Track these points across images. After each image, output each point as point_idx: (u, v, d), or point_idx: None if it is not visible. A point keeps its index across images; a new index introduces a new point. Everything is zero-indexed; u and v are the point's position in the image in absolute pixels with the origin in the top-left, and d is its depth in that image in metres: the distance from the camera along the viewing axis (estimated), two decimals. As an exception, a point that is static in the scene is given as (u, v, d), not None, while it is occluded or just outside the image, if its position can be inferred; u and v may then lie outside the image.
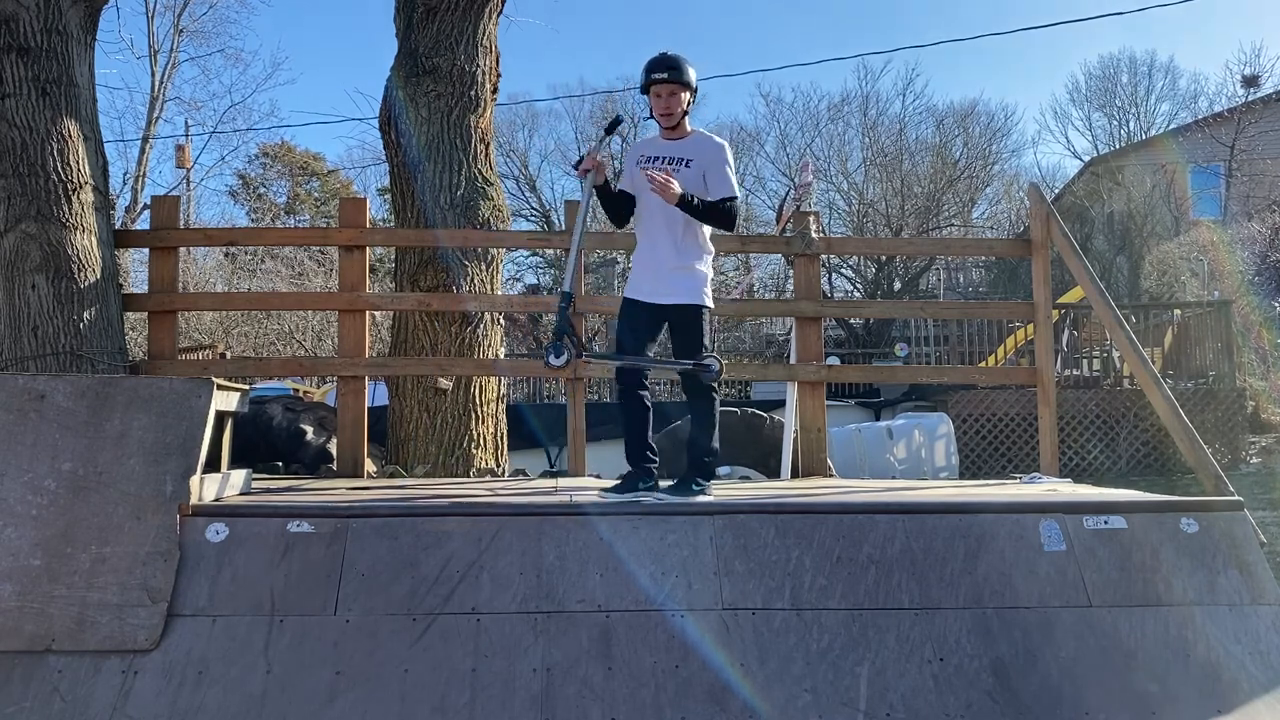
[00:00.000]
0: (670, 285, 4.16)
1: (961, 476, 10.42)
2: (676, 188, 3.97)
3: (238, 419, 4.39)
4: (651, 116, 4.23)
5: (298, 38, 47.44)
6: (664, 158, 4.17)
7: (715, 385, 4.20)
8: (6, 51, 5.08)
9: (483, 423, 6.15)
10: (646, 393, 4.24)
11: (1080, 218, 21.87)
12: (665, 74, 4.10)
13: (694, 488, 4.06)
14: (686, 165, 4.14)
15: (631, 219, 4.39)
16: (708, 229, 4.22)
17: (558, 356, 3.91)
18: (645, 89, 4.17)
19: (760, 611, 3.45)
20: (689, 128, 4.25)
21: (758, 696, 3.23)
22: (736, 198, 4.16)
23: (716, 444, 4.20)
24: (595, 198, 4.26)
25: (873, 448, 10.02)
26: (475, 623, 3.36)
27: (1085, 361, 13.09)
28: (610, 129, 4.37)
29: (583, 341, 3.98)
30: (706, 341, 4.24)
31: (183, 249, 11.90)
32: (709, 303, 4.22)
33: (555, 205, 29.75)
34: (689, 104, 4.20)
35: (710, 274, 4.27)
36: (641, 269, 4.26)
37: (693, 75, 4.16)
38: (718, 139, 4.29)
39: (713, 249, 4.30)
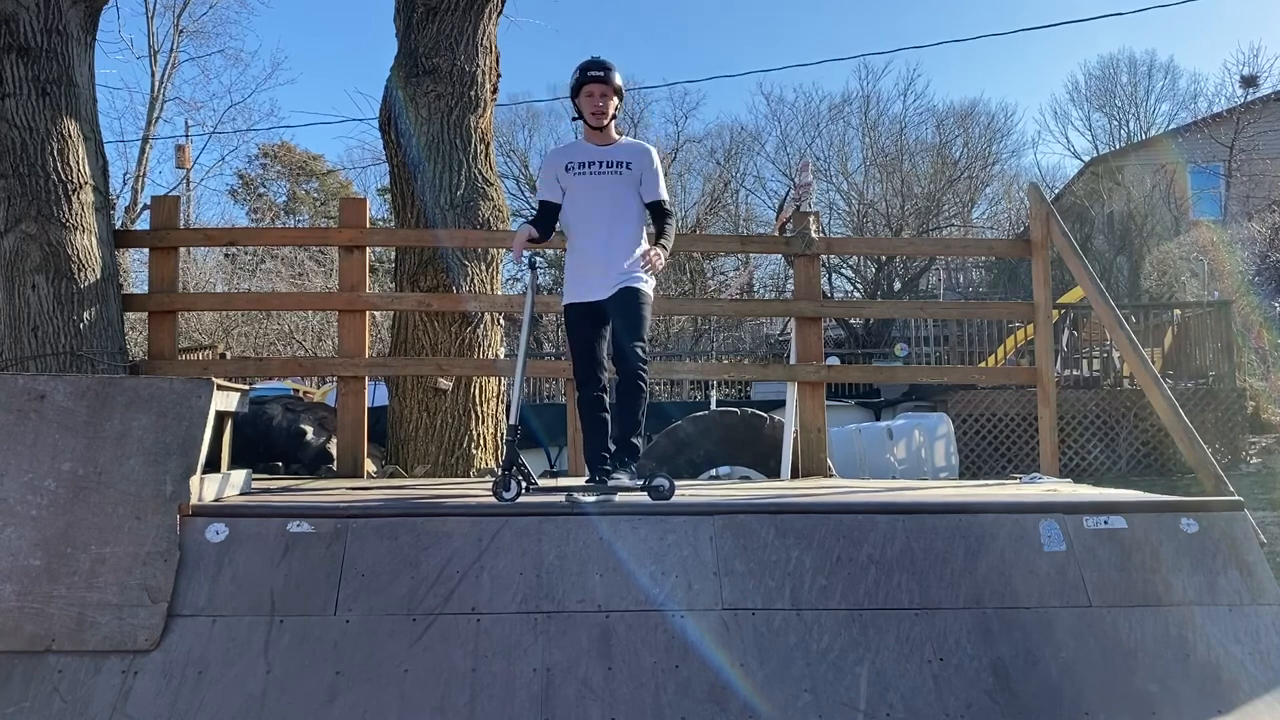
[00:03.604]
0: (625, 274, 4.19)
1: (961, 476, 10.42)
2: (660, 261, 4.09)
3: (238, 419, 4.39)
4: (579, 118, 4.31)
5: (298, 38, 47.49)
6: (601, 161, 4.25)
7: (644, 378, 4.17)
8: (6, 51, 5.08)
9: (483, 423, 6.15)
10: (606, 395, 4.29)
11: (1080, 218, 21.86)
12: (601, 73, 4.20)
13: (631, 467, 4.10)
14: (627, 168, 4.24)
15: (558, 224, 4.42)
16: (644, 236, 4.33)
17: (507, 490, 3.91)
18: (576, 90, 4.25)
19: (760, 611, 3.45)
20: (615, 133, 4.34)
21: (758, 696, 3.23)
22: (666, 198, 4.31)
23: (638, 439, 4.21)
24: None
25: (873, 448, 10.01)
26: (475, 623, 3.36)
27: (1085, 361, 13.08)
28: (533, 266, 4.43)
29: (528, 472, 4.05)
30: (645, 331, 4.20)
31: (183, 249, 11.89)
32: (651, 289, 4.27)
33: (555, 205, 29.67)
34: (617, 109, 4.30)
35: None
36: (583, 271, 4.26)
37: (620, 82, 4.28)
38: (647, 145, 4.42)
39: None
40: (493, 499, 3.91)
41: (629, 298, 4.18)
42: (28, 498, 3.42)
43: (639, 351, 4.12)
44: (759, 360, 18.17)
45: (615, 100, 4.26)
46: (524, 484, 3.96)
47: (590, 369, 4.27)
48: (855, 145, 27.76)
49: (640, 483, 3.99)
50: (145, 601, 3.31)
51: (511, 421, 4.19)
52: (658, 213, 4.29)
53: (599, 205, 4.23)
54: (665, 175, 4.38)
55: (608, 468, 4.16)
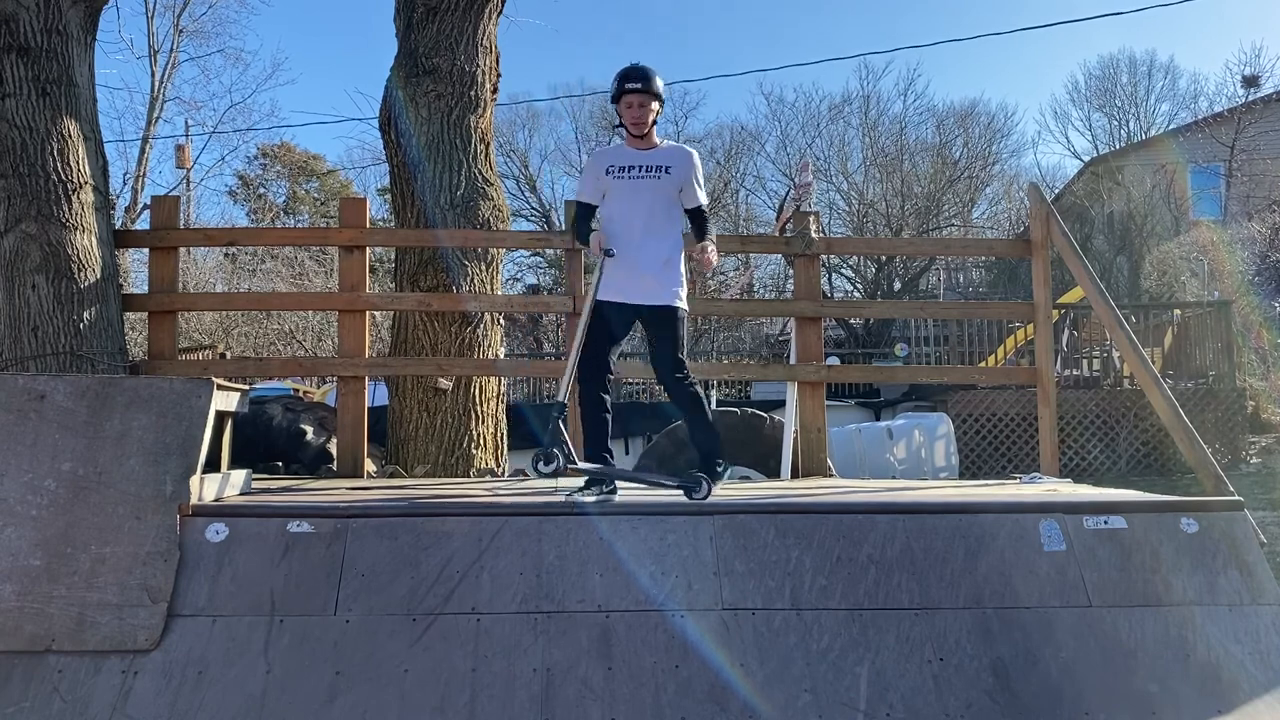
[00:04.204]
0: (650, 285, 4.22)
1: (961, 476, 10.42)
2: (714, 257, 4.23)
3: (238, 419, 4.39)
4: (621, 125, 4.34)
5: (298, 38, 47.48)
6: (641, 165, 4.27)
7: (696, 388, 4.27)
8: (6, 51, 5.08)
9: (483, 423, 6.15)
10: (609, 397, 4.33)
11: (1080, 218, 21.86)
12: (639, 84, 4.22)
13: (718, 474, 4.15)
14: (666, 171, 4.26)
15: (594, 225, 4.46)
16: (682, 244, 4.37)
17: (547, 465, 3.99)
18: (616, 98, 4.28)
19: (760, 611, 3.45)
20: (656, 138, 4.36)
21: (758, 696, 3.23)
22: (705, 204, 4.38)
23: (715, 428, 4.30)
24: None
25: (873, 448, 10.01)
26: (475, 623, 3.36)
27: (1085, 361, 13.08)
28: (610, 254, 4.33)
29: (570, 452, 4.13)
30: (684, 354, 4.30)
31: (183, 249, 11.89)
32: (685, 306, 4.31)
33: (555, 205, 29.76)
34: (657, 114, 4.31)
35: (685, 277, 4.39)
36: (615, 273, 4.28)
37: (661, 87, 4.29)
38: (688, 148, 4.44)
39: (684, 262, 4.40)
40: (493, 499, 3.92)
41: (669, 317, 4.24)
42: (28, 498, 3.42)
43: (682, 369, 4.22)
44: (759, 360, 18.17)
45: (656, 106, 4.26)
46: (564, 462, 4.00)
47: (597, 366, 4.27)
48: (855, 145, 27.80)
49: (676, 482, 4.05)
50: (145, 601, 3.31)
51: (561, 398, 4.22)
52: (696, 218, 4.35)
53: (636, 210, 4.25)
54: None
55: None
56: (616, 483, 4.17)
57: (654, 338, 4.31)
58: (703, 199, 4.35)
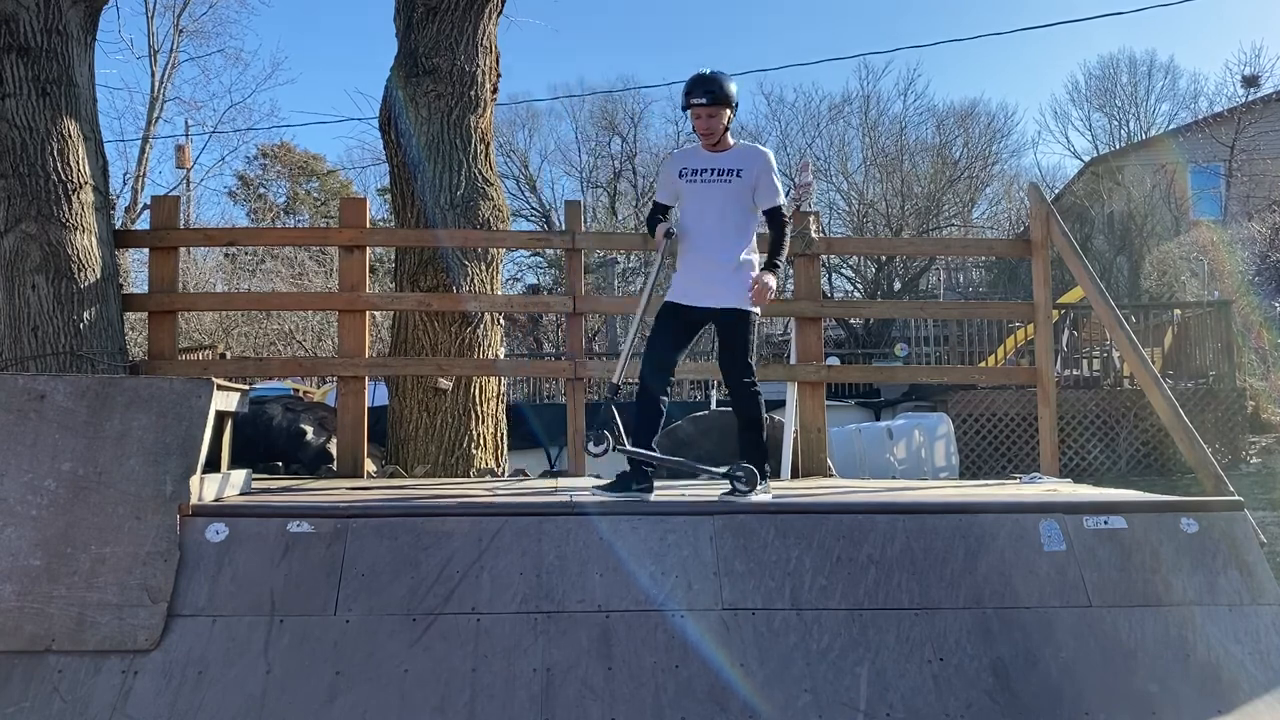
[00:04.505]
0: (720, 289, 4.19)
1: (961, 476, 10.42)
2: (772, 288, 4.13)
3: (238, 419, 4.39)
4: (694, 132, 4.31)
5: (298, 38, 47.46)
6: (712, 169, 4.23)
7: (757, 403, 4.24)
8: (6, 51, 5.08)
9: (483, 423, 6.15)
10: (666, 399, 4.29)
11: (1080, 218, 21.86)
12: (704, 99, 4.16)
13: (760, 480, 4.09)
14: (737, 175, 4.20)
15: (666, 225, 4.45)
16: (755, 247, 4.31)
17: (597, 445, 4.03)
18: (685, 108, 4.23)
19: (760, 611, 3.45)
20: (730, 140, 4.31)
21: (758, 696, 3.23)
22: (782, 203, 4.27)
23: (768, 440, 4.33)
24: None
25: (873, 448, 10.01)
26: (475, 623, 3.36)
27: (1085, 361, 13.08)
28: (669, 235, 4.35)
29: (620, 435, 4.14)
30: (753, 359, 4.26)
31: (183, 249, 11.89)
32: (758, 310, 4.24)
33: (555, 205, 29.76)
34: (730, 120, 4.25)
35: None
36: (688, 272, 4.29)
37: (732, 90, 4.21)
38: (761, 148, 4.36)
39: (758, 265, 4.32)
40: (493, 499, 3.92)
41: (736, 320, 4.20)
42: (28, 498, 3.42)
43: (749, 374, 4.20)
44: (759, 360, 18.15)
45: (726, 112, 4.20)
46: (612, 443, 4.03)
47: (659, 367, 4.26)
48: (855, 145, 27.77)
49: (760, 496, 4.02)
50: (145, 601, 3.31)
51: (614, 380, 4.27)
52: (772, 220, 4.27)
53: (706, 214, 4.23)
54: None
55: (647, 469, 4.20)
56: (654, 483, 4.17)
57: (722, 341, 4.28)
58: (778, 200, 4.24)
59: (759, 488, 4.04)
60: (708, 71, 4.21)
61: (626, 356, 4.36)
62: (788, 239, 4.29)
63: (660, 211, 4.44)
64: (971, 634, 3.43)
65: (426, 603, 3.40)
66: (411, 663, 3.25)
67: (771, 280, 4.13)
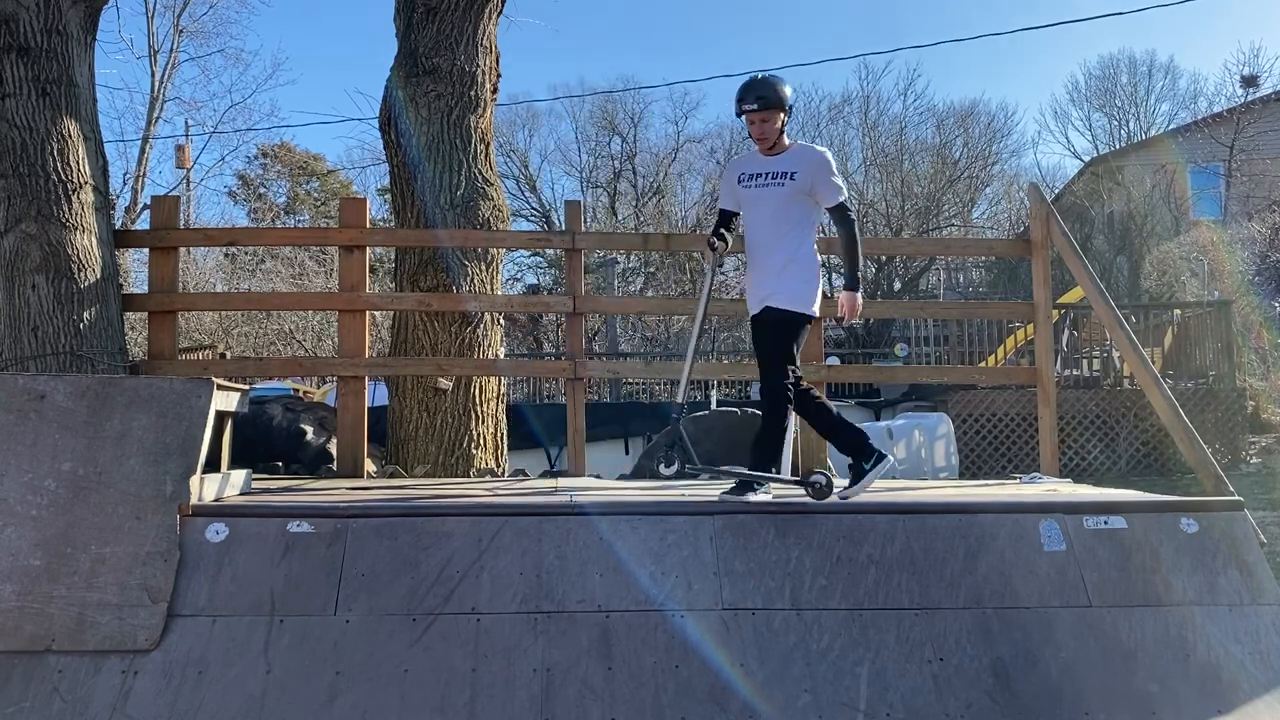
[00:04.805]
0: (763, 290, 4.19)
1: (961, 476, 10.42)
2: (859, 305, 4.20)
3: (238, 419, 4.39)
4: (750, 137, 4.33)
5: (298, 38, 47.47)
6: (767, 173, 4.24)
7: (776, 400, 4.15)
8: (6, 51, 5.08)
9: (483, 423, 6.15)
10: (812, 390, 4.30)
11: (1080, 218, 21.86)
12: (755, 105, 4.17)
13: (755, 487, 4.07)
14: (791, 178, 4.19)
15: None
16: (810, 239, 4.29)
17: (667, 466, 4.02)
18: (738, 115, 4.25)
19: (760, 611, 3.45)
20: (787, 141, 4.31)
21: (758, 696, 3.23)
22: (846, 199, 4.24)
23: (778, 448, 4.20)
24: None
25: (872, 448, 9.99)
26: (475, 623, 3.36)
27: (1085, 361, 13.08)
28: (712, 248, 4.36)
29: (692, 455, 4.13)
30: (784, 360, 4.14)
31: (183, 249, 11.89)
32: (807, 311, 4.19)
33: (555, 205, 29.77)
34: (784, 122, 4.24)
35: (814, 283, 4.26)
36: (749, 280, 4.32)
37: (785, 93, 4.20)
38: (818, 148, 4.35)
39: (815, 259, 4.29)
40: (493, 499, 3.92)
41: (770, 318, 4.17)
42: (28, 498, 3.42)
43: (773, 374, 4.12)
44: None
45: (780, 116, 4.20)
46: (683, 464, 4.03)
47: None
48: (855, 145, 27.78)
49: (758, 497, 3.99)
50: (145, 601, 3.31)
51: (679, 400, 4.25)
52: (838, 218, 4.23)
53: (762, 217, 4.24)
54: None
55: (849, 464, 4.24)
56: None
57: (756, 336, 4.25)
58: (839, 197, 4.20)
59: (760, 489, 4.05)
60: (759, 76, 4.22)
61: (688, 374, 4.31)
62: (859, 238, 4.24)
63: (724, 221, 4.42)
64: (971, 634, 3.43)
65: (426, 603, 3.40)
66: (411, 663, 3.25)
67: (858, 298, 4.18)
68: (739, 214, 4.43)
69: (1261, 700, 3.33)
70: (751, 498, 3.98)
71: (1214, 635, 3.48)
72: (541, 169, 32.39)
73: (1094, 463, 11.53)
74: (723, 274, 26.15)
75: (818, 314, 4.27)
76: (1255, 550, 3.74)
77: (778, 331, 4.16)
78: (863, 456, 4.21)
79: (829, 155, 4.29)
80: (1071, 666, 3.37)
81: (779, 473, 4.19)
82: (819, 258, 4.36)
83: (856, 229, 4.23)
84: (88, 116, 5.33)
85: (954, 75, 47.52)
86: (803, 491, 3.97)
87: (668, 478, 3.99)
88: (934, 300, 19.57)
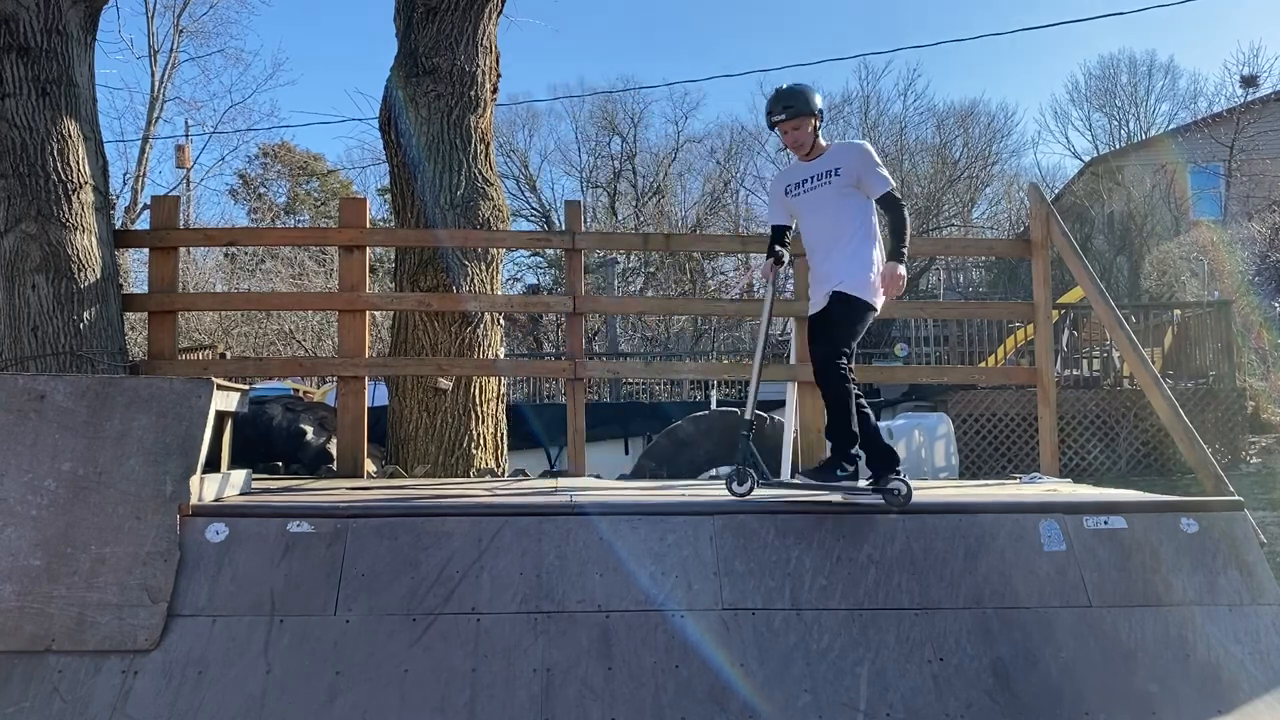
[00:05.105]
0: (837, 279, 4.12)
1: (961, 476, 10.42)
2: (902, 275, 4.05)
3: (238, 419, 4.39)
4: (785, 148, 4.35)
5: (298, 38, 47.48)
6: (811, 177, 4.24)
7: (833, 381, 4.09)
8: (6, 51, 5.08)
9: (483, 423, 6.15)
10: (860, 398, 4.23)
11: (1080, 218, 21.87)
12: (784, 115, 4.19)
13: (837, 473, 4.03)
14: (836, 174, 4.18)
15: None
16: (876, 230, 4.24)
17: (741, 484, 3.98)
18: (771, 128, 4.29)
19: (760, 611, 3.45)
20: (823, 142, 4.32)
21: (758, 696, 3.23)
22: (893, 187, 4.20)
23: (854, 429, 4.10)
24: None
25: (873, 448, 9.98)
26: (475, 623, 3.36)
27: (1085, 361, 13.08)
28: (780, 261, 4.33)
29: (764, 469, 4.09)
30: (848, 344, 4.09)
31: (183, 249, 11.89)
32: (872, 300, 4.13)
33: (555, 205, 29.79)
34: (816, 127, 4.25)
35: (877, 274, 4.18)
36: (812, 285, 4.30)
37: (813, 99, 4.21)
38: (856, 141, 4.36)
39: (879, 251, 4.22)
40: (493, 499, 3.92)
41: (834, 302, 4.11)
42: (28, 498, 3.42)
43: (830, 361, 4.06)
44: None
45: (811, 122, 4.21)
46: (757, 478, 4.00)
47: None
48: (855, 145, 27.75)
49: (841, 484, 3.96)
50: (145, 601, 3.31)
51: (747, 416, 4.20)
52: (887, 206, 4.17)
53: (819, 220, 4.23)
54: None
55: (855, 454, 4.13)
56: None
57: (816, 328, 4.19)
58: (886, 185, 4.15)
59: (846, 475, 4.00)
60: (784, 86, 4.24)
61: (754, 391, 4.29)
62: (908, 223, 4.15)
63: (778, 235, 4.40)
64: (971, 634, 3.43)
65: (426, 603, 3.40)
66: (411, 663, 3.25)
67: (900, 269, 4.05)
68: (790, 227, 4.43)
69: (1261, 700, 3.33)
70: (839, 484, 3.94)
71: (1214, 635, 3.48)
72: (541, 169, 32.44)
73: (1094, 463, 11.52)
74: (723, 274, 26.23)
75: (879, 307, 4.20)
76: (1255, 550, 3.74)
77: (843, 315, 4.10)
78: (847, 461, 4.09)
79: (868, 146, 4.31)
80: (1071, 666, 3.37)
81: (861, 458, 4.11)
82: (883, 248, 4.29)
83: (906, 214, 4.17)
84: (88, 116, 5.33)
85: (954, 75, 47.58)
86: (880, 499, 3.87)
87: (741, 495, 3.94)
88: (934, 300, 19.55)
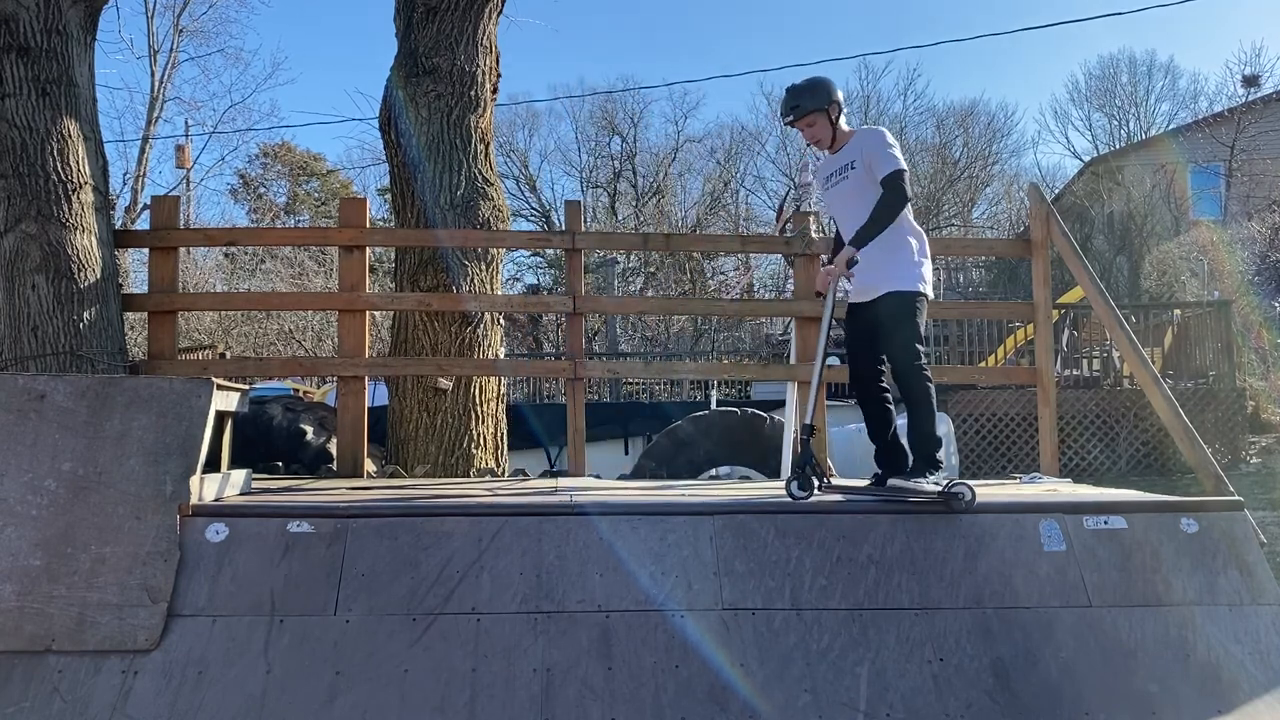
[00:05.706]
0: (881, 275, 4.12)
1: (961, 476, 10.39)
2: (843, 262, 4.05)
3: (238, 419, 4.38)
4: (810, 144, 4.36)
5: (298, 38, 47.48)
6: (834, 172, 4.26)
7: (914, 380, 4.07)
8: (6, 51, 5.08)
9: (483, 423, 6.15)
10: (888, 395, 4.27)
11: (1080, 218, 21.86)
12: (791, 115, 4.21)
13: (927, 474, 4.04)
14: (852, 168, 4.18)
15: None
16: (907, 216, 4.18)
17: (802, 489, 3.96)
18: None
19: (760, 611, 3.45)
20: (847, 128, 4.30)
21: (758, 696, 3.23)
22: (898, 169, 4.06)
23: (938, 431, 4.12)
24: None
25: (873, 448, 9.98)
26: (475, 623, 3.36)
27: (1085, 361, 13.07)
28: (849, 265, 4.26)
29: (821, 471, 4.08)
30: (918, 339, 4.06)
31: (183, 249, 11.88)
32: (922, 289, 4.11)
33: (555, 205, 29.82)
34: (835, 119, 4.23)
35: (919, 260, 4.16)
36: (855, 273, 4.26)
37: (825, 93, 4.18)
38: (872, 127, 4.33)
39: (917, 237, 4.18)
40: (493, 499, 3.91)
41: (885, 304, 4.10)
42: (28, 498, 3.42)
43: (904, 360, 4.06)
44: (759, 360, 18.16)
45: (827, 117, 4.19)
46: (818, 482, 4.00)
47: (857, 368, 4.28)
48: (855, 145, 27.75)
49: (930, 487, 3.92)
50: (145, 601, 3.31)
51: (806, 420, 4.19)
52: (884, 186, 4.05)
53: (847, 212, 4.23)
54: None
55: (879, 472, 4.22)
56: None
57: (878, 327, 4.18)
58: (890, 166, 4.04)
59: (930, 478, 3.98)
60: (794, 84, 4.22)
61: (815, 396, 4.29)
62: (893, 211, 4.03)
63: (839, 237, 4.41)
64: (971, 634, 3.43)
65: (426, 603, 3.40)
66: (411, 663, 3.25)
67: (852, 253, 4.01)
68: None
69: (1261, 700, 3.33)
70: (927, 486, 3.92)
71: (1214, 635, 3.48)
72: (541, 169, 32.48)
73: (1094, 463, 11.52)
74: (723, 274, 26.22)
75: (931, 293, 4.18)
76: (1255, 550, 3.74)
77: (902, 313, 4.08)
78: (931, 466, 4.10)
79: (883, 129, 4.27)
80: (1071, 666, 3.37)
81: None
82: (921, 234, 4.25)
83: (895, 200, 4.03)
84: (88, 116, 5.33)
85: (954, 75, 47.58)
86: (943, 505, 3.83)
87: (802, 499, 3.92)
88: (934, 300, 19.57)
